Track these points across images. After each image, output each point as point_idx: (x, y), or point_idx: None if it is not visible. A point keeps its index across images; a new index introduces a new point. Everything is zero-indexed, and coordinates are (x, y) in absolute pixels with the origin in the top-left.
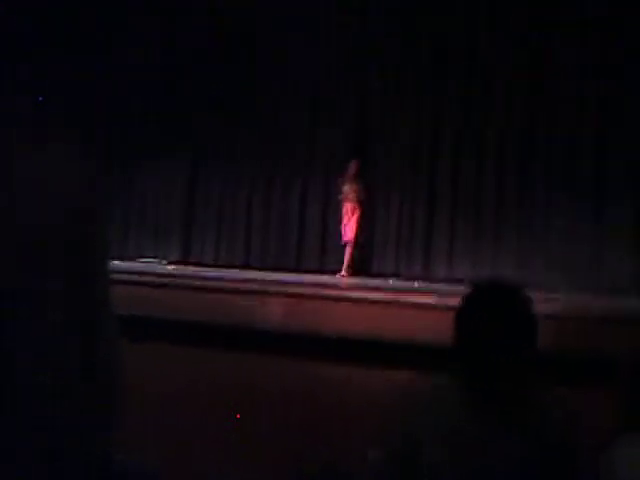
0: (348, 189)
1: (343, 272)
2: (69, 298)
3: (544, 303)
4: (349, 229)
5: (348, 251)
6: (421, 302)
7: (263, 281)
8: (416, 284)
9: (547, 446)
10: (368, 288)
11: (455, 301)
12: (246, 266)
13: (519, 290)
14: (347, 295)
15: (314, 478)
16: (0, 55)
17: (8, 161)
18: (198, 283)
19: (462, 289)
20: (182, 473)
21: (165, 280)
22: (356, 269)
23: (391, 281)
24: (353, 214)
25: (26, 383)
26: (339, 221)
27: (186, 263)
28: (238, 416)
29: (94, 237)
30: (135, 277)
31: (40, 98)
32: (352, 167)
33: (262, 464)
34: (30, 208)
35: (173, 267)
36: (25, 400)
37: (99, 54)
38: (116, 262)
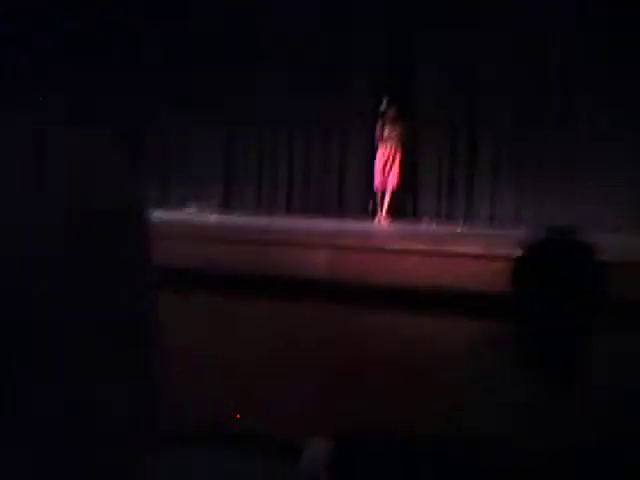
0: (388, 133)
1: (384, 215)
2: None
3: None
4: (392, 173)
5: (388, 195)
6: (466, 251)
7: (307, 231)
8: (459, 229)
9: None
10: (411, 237)
11: (500, 248)
12: (288, 212)
13: (582, 240)
14: (392, 245)
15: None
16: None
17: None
18: (241, 235)
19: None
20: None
21: (208, 232)
22: (398, 212)
23: (434, 226)
24: (395, 158)
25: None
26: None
27: (228, 211)
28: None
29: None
30: (177, 229)
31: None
32: (392, 110)
33: (307, 414)
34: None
35: (215, 216)
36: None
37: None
38: (159, 212)
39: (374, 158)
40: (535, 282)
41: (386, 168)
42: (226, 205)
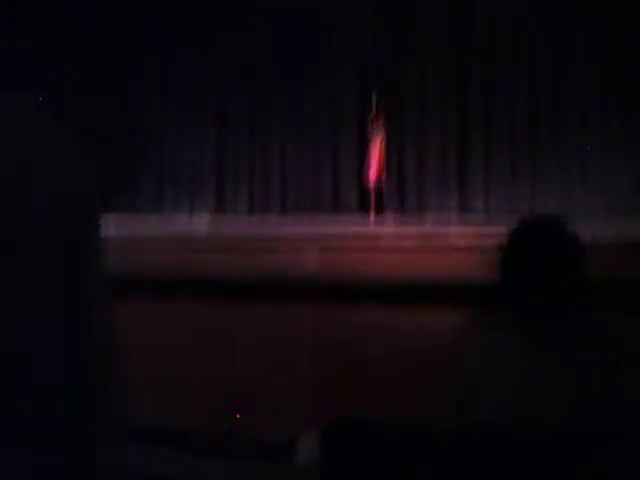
0: (377, 128)
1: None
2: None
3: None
4: (381, 169)
5: (374, 189)
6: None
7: (299, 235)
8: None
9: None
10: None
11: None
12: (282, 213)
13: (562, 222)
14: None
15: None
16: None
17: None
18: (233, 242)
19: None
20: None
21: (200, 239)
22: (388, 207)
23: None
24: (381, 152)
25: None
26: (368, 162)
27: (221, 215)
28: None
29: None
30: (170, 237)
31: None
32: (379, 106)
33: (303, 414)
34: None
35: (208, 219)
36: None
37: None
38: (152, 217)
39: (365, 155)
40: (520, 266)
41: (376, 164)
42: (220, 208)
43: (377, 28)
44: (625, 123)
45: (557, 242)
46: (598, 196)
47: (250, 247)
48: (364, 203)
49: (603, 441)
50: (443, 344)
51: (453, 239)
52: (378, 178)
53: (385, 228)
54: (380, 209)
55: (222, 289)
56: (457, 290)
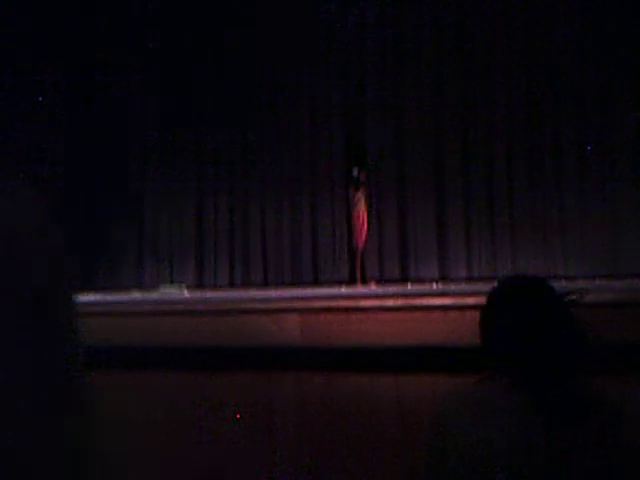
0: (358, 197)
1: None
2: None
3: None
4: (362, 236)
5: (359, 258)
6: (441, 304)
7: (278, 299)
8: (434, 286)
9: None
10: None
11: (474, 300)
12: (263, 285)
13: (544, 282)
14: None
15: None
16: None
17: None
18: (210, 307)
19: (481, 287)
20: None
21: (179, 307)
22: (370, 277)
23: (409, 286)
24: (364, 221)
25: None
26: (352, 230)
27: (203, 288)
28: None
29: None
30: (150, 307)
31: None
32: (358, 174)
33: None
34: None
35: (187, 293)
36: None
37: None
38: (135, 293)
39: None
40: (503, 325)
41: (359, 231)
42: (200, 281)
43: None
44: (601, 187)
45: (542, 301)
46: (577, 259)
47: (229, 310)
48: (347, 273)
49: None
50: (425, 409)
51: (434, 300)
52: (362, 248)
53: (366, 291)
54: (363, 279)
55: (199, 355)
56: (438, 354)
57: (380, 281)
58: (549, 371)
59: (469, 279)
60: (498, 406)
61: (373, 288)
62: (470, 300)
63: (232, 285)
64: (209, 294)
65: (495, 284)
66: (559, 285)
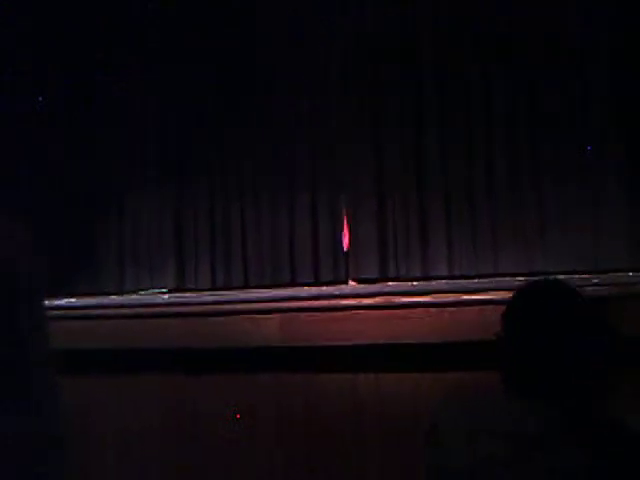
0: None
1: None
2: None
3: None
4: (344, 235)
5: (342, 257)
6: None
7: (257, 299)
8: (415, 284)
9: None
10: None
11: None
12: (245, 286)
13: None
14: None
15: None
16: None
17: None
18: (191, 309)
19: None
20: None
21: (158, 310)
22: (350, 276)
23: (389, 284)
24: (345, 220)
25: None
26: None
27: (183, 290)
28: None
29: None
30: (129, 310)
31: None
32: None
33: None
34: None
35: (167, 296)
36: None
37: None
38: (114, 297)
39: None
40: (525, 326)
41: (341, 231)
42: (181, 284)
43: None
44: (583, 180)
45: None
46: (558, 260)
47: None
48: (329, 273)
49: None
50: (406, 407)
51: (414, 299)
52: (344, 247)
53: (347, 290)
54: (345, 278)
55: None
56: (419, 351)
57: (361, 280)
58: (570, 374)
59: (450, 277)
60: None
61: (353, 287)
62: (450, 298)
63: (214, 288)
64: (188, 296)
65: (523, 282)
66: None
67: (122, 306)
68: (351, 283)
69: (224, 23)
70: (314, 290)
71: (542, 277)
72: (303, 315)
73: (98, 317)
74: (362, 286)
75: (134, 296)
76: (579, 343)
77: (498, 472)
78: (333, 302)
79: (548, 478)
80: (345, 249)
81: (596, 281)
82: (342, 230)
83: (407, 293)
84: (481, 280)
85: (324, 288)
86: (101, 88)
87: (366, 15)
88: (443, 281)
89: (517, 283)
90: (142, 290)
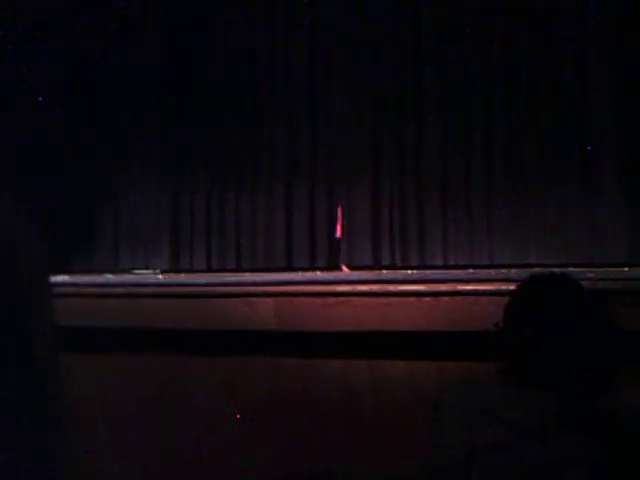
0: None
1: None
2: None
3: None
4: (338, 222)
5: (335, 243)
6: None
7: (252, 282)
8: (410, 272)
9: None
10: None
11: (448, 287)
12: (238, 270)
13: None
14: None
15: None
16: None
17: None
18: (186, 290)
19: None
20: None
21: (152, 290)
22: (345, 262)
23: (384, 271)
24: (340, 208)
25: None
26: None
27: (177, 272)
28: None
29: (30, 254)
30: (124, 289)
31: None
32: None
33: (267, 469)
34: None
35: (162, 276)
36: None
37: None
38: (109, 276)
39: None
40: (527, 317)
41: (336, 217)
42: (175, 265)
43: None
44: (581, 177)
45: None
46: (553, 252)
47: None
48: (323, 259)
49: None
50: (399, 394)
51: (409, 287)
52: (338, 233)
53: (341, 276)
54: (338, 264)
55: (173, 338)
56: (416, 340)
57: (355, 267)
58: (571, 364)
59: (445, 267)
60: (507, 398)
61: (348, 273)
62: (444, 287)
63: (209, 270)
64: (183, 277)
65: (528, 275)
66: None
67: (116, 285)
68: (345, 270)
69: (222, 11)
70: (310, 275)
71: (546, 270)
72: (298, 299)
73: (92, 295)
74: (357, 273)
75: (128, 275)
76: (580, 336)
77: (496, 458)
78: (328, 288)
79: (544, 468)
80: (338, 236)
81: (591, 275)
82: (336, 218)
83: (402, 281)
84: (476, 271)
85: (319, 273)
86: (101, 70)
87: None
88: (438, 270)
89: (512, 274)
90: (137, 269)
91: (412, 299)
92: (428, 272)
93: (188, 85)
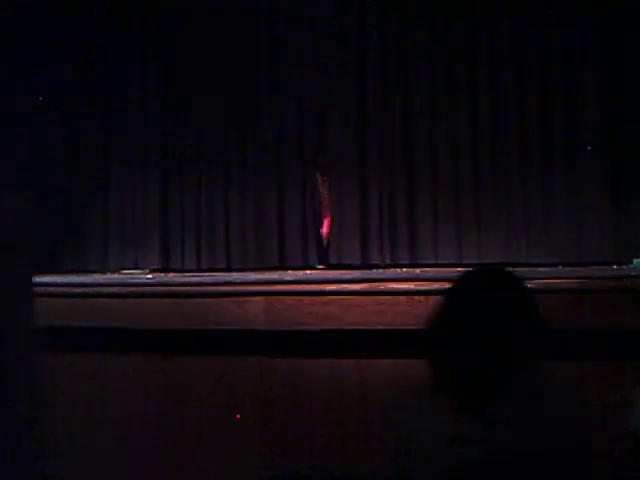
0: (323, 181)
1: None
2: None
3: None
4: (326, 220)
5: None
6: (406, 289)
7: (243, 282)
8: (399, 271)
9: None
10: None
11: (438, 286)
12: (228, 269)
13: (504, 270)
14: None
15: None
16: None
17: None
18: (176, 289)
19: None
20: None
21: (142, 289)
22: (334, 261)
23: (375, 270)
24: (328, 205)
25: None
26: (319, 215)
27: (167, 271)
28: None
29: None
30: (115, 289)
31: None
32: (323, 161)
33: (257, 468)
34: None
35: (151, 275)
36: None
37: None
38: (98, 276)
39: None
40: (461, 314)
41: (323, 216)
42: (165, 265)
43: None
44: (568, 174)
45: (504, 291)
46: (540, 247)
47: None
48: (313, 258)
49: None
50: (387, 392)
51: (399, 285)
52: (326, 232)
53: (331, 275)
54: (328, 263)
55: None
56: (405, 338)
57: (345, 266)
58: (498, 357)
59: (435, 266)
60: (438, 394)
61: (339, 272)
62: (435, 285)
63: (199, 269)
64: (172, 276)
65: (459, 273)
66: (521, 271)
67: (105, 285)
68: (335, 269)
69: (221, 5)
70: (300, 274)
71: (480, 266)
72: (287, 298)
73: (81, 295)
74: (347, 272)
75: (118, 275)
76: (508, 333)
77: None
78: (318, 287)
79: (502, 459)
80: (325, 235)
81: (579, 274)
82: (323, 216)
83: (392, 280)
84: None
85: (309, 272)
86: (97, 70)
87: None
88: (428, 269)
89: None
90: (126, 270)
91: (402, 298)
92: (418, 271)
93: (178, 85)
